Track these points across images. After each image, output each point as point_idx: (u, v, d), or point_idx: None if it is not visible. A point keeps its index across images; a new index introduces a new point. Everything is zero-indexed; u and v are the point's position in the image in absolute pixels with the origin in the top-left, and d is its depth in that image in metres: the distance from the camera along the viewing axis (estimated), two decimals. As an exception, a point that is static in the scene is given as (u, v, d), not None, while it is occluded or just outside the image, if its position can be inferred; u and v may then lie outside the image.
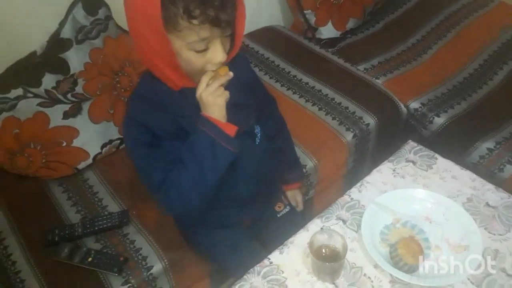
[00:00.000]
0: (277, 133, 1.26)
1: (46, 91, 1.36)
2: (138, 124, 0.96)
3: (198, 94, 0.93)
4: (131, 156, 1.01)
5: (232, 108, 0.96)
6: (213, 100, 0.92)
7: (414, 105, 1.68)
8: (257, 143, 1.11)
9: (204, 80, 0.92)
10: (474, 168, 1.44)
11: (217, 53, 0.88)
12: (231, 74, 0.93)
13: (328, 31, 1.95)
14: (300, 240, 1.02)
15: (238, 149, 0.96)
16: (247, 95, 1.07)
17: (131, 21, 0.87)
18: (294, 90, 1.71)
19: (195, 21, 0.81)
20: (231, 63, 0.95)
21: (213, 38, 0.86)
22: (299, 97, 1.68)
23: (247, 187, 1.10)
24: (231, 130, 0.95)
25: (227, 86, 0.96)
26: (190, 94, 0.94)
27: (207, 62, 0.90)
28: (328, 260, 0.92)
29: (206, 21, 0.82)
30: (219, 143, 0.94)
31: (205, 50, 0.87)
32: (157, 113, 0.95)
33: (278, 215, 1.28)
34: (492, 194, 1.08)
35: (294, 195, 1.35)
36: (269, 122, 1.22)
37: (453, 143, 1.55)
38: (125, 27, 1.52)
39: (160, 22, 0.80)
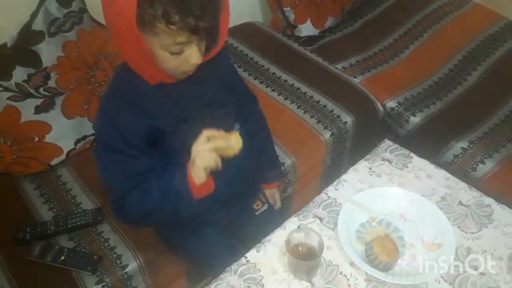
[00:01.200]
0: (258, 131, 1.25)
1: (17, 84, 1.31)
2: (110, 126, 0.93)
3: (193, 147, 0.92)
4: (97, 155, 0.98)
5: (211, 105, 0.95)
6: (199, 161, 0.91)
7: (391, 104, 1.70)
8: None
9: (205, 134, 0.91)
10: (448, 167, 1.46)
11: (193, 56, 0.87)
12: (237, 149, 0.93)
13: (307, 29, 1.95)
14: (277, 238, 1.02)
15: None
16: (226, 92, 1.05)
17: (107, 16, 0.85)
18: (273, 88, 1.71)
19: (173, 27, 0.80)
20: (212, 63, 0.94)
21: (190, 42, 0.85)
22: (278, 95, 1.67)
23: (225, 187, 1.09)
24: (203, 191, 0.96)
25: (206, 84, 0.94)
26: (167, 89, 0.92)
27: (183, 62, 0.88)
28: (305, 259, 0.92)
29: (184, 28, 0.80)
30: (185, 199, 0.95)
31: (180, 52, 0.86)
32: (131, 113, 0.93)
33: (256, 213, 1.27)
34: (465, 193, 1.10)
35: (273, 194, 1.35)
36: (250, 120, 1.21)
37: (428, 142, 1.58)
38: (100, 20, 1.49)
39: (134, 24, 0.78)
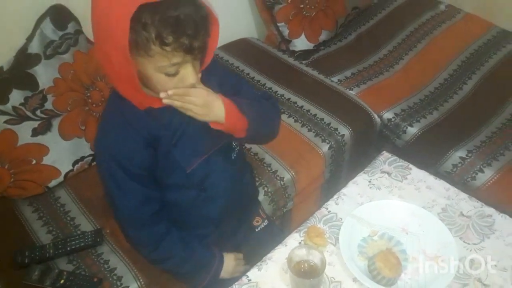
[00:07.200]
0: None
1: (14, 107, 1.31)
2: (110, 156, 0.94)
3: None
4: (102, 182, 1.00)
5: (204, 126, 0.94)
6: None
7: (388, 115, 1.70)
8: (233, 158, 1.09)
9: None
10: (447, 177, 1.46)
11: (189, 76, 0.86)
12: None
13: (301, 43, 1.96)
14: (279, 256, 1.01)
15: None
16: None
17: (98, 39, 0.84)
18: (269, 102, 1.71)
19: (168, 48, 0.80)
20: (206, 75, 0.93)
21: (185, 62, 0.85)
22: (275, 109, 1.67)
23: (218, 207, 1.08)
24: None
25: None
26: (156, 114, 0.93)
27: (179, 83, 0.87)
28: (307, 276, 0.91)
29: (179, 49, 0.80)
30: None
31: (176, 74, 0.85)
32: (128, 141, 0.94)
33: (256, 230, 1.26)
34: (465, 203, 1.10)
35: None
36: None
37: (426, 152, 1.58)
38: (96, 41, 1.49)
39: (127, 49, 0.78)
